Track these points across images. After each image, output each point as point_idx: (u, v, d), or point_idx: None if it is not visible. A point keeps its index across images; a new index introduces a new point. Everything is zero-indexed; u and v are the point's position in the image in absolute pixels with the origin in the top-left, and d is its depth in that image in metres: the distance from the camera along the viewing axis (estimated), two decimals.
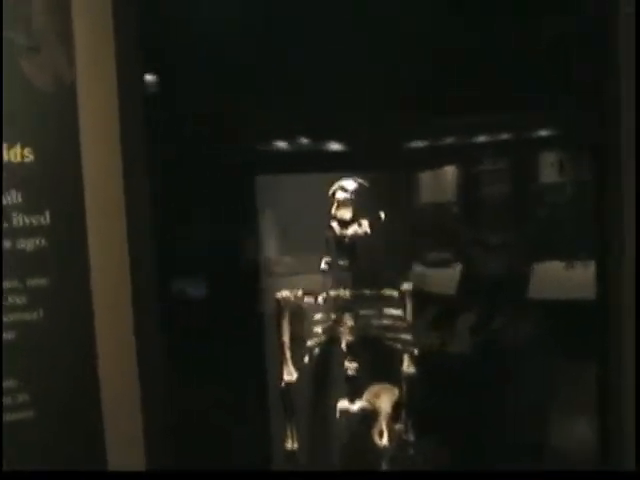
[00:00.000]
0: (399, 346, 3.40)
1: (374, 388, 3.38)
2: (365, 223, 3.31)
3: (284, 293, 3.34)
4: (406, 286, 3.42)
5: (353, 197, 3.33)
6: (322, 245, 3.36)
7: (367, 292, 3.40)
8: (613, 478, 3.39)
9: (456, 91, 4.01)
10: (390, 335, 3.40)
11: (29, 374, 2.84)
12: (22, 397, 2.83)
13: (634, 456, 3.29)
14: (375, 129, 4.14)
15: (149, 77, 3.07)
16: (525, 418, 4.25)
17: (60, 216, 2.90)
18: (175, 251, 3.57)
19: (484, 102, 4.10)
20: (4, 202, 2.79)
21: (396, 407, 3.37)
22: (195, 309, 3.91)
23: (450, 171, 4.87)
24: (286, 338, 3.34)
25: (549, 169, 4.65)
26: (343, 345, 3.37)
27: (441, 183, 4.90)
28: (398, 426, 3.39)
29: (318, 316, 3.37)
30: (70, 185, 2.93)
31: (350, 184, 3.34)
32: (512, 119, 4.46)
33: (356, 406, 3.35)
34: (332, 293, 3.38)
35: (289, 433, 3.37)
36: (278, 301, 3.34)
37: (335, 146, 4.33)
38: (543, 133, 4.58)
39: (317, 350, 3.37)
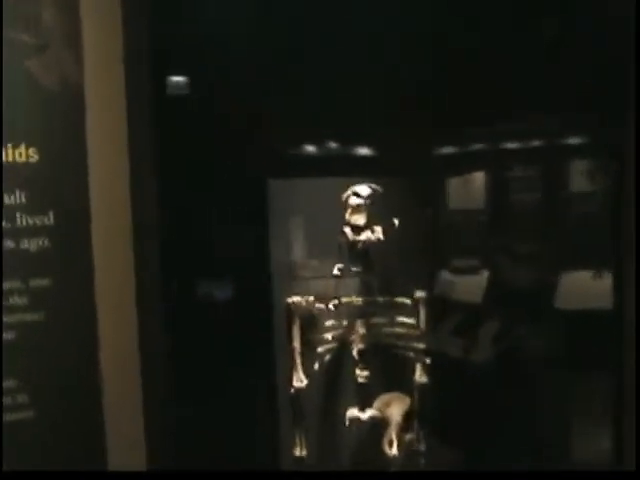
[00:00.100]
0: (411, 355, 3.30)
1: (385, 397, 3.30)
2: (379, 229, 3.22)
3: (295, 298, 3.25)
4: (420, 294, 3.31)
5: (367, 203, 3.23)
6: (336, 250, 3.28)
7: (380, 299, 3.30)
8: (613, 478, 3.31)
9: (483, 98, 3.92)
10: (402, 343, 3.30)
11: (30, 374, 2.79)
12: (22, 398, 2.78)
13: (634, 456, 3.18)
14: (403, 135, 4.06)
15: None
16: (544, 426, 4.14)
17: (64, 217, 2.85)
18: (181, 252, 3.51)
19: (513, 110, 4.08)
20: (7, 202, 2.74)
21: (407, 417, 3.28)
22: (200, 311, 3.85)
23: (478, 178, 4.78)
24: (297, 344, 3.26)
25: (579, 177, 4.52)
26: (354, 352, 3.27)
27: (468, 190, 4.80)
28: (409, 436, 3.29)
29: (329, 322, 3.28)
30: (75, 186, 2.87)
31: (364, 190, 3.24)
32: (541, 127, 4.35)
33: (366, 414, 3.27)
34: (344, 299, 3.29)
35: (297, 440, 3.28)
36: (289, 306, 3.25)
37: (362, 151, 4.27)
38: (573, 141, 4.46)
39: (328, 357, 3.28)
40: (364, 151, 4.33)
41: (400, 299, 3.31)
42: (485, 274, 4.68)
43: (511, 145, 4.65)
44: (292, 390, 3.26)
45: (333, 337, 3.29)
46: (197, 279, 3.91)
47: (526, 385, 4.18)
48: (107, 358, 2.95)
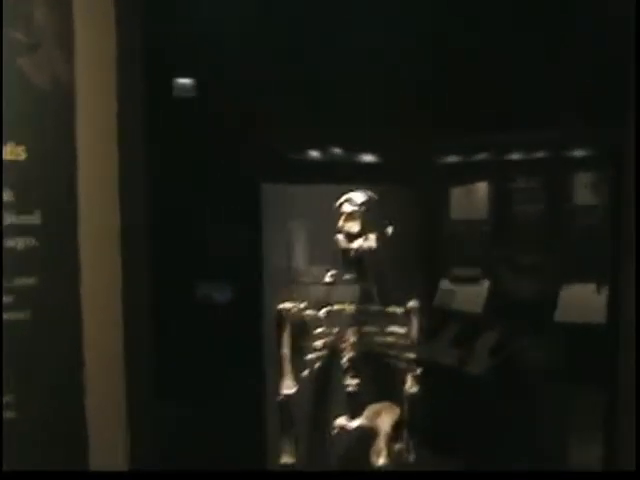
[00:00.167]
0: (403, 365, 3.22)
1: (375, 406, 3.22)
2: (372, 237, 3.14)
3: (286, 304, 3.17)
4: (412, 303, 3.23)
5: (362, 210, 3.15)
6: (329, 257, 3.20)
7: (372, 308, 3.22)
8: (613, 478, 3.25)
9: (489, 108, 3.87)
10: (394, 353, 3.22)
11: (13, 374, 2.72)
12: (8, 397, 2.71)
13: (634, 456, 3.10)
14: (403, 138, 4.04)
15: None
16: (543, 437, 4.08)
17: (52, 216, 2.78)
18: (170, 254, 3.43)
19: (513, 111, 4.07)
20: None
21: (396, 427, 3.20)
22: (188, 313, 3.77)
23: (481, 188, 4.73)
24: (286, 350, 3.17)
25: (583, 190, 4.46)
26: (345, 360, 3.19)
27: (472, 200, 4.76)
28: (398, 446, 3.21)
29: (319, 330, 3.19)
30: (64, 185, 2.81)
31: (358, 197, 3.16)
32: (545, 138, 4.30)
33: (355, 424, 3.18)
34: (336, 307, 3.20)
35: (285, 447, 3.20)
36: (280, 312, 3.17)
37: (361, 155, 4.22)
38: (577, 153, 4.40)
39: (317, 364, 3.20)
40: (362, 155, 4.28)
41: (392, 308, 3.23)
42: (486, 284, 4.62)
43: (512, 151, 4.61)
44: (281, 397, 3.17)
45: (323, 345, 3.20)
46: (186, 281, 3.82)
47: (524, 396, 4.11)
48: (92, 358, 2.89)
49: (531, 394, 4.18)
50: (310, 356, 3.18)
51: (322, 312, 3.19)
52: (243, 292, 3.70)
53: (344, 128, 3.98)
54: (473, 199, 4.84)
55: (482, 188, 4.84)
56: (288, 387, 3.17)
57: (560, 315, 4.43)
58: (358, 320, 3.23)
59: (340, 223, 3.17)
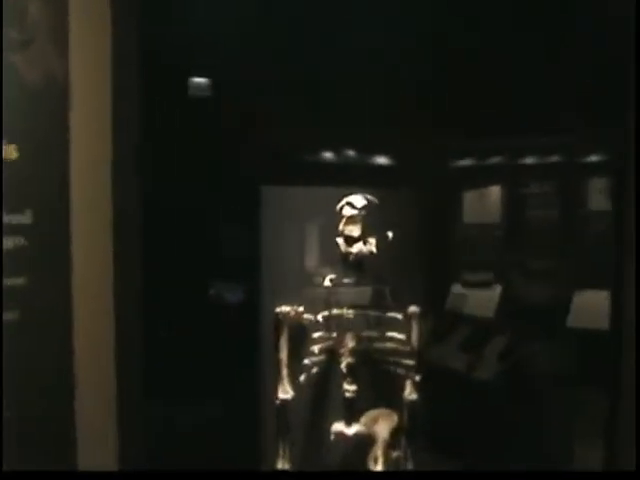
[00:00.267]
0: (402, 371, 3.12)
1: (373, 413, 3.11)
2: (372, 241, 3.04)
3: (284, 308, 3.06)
4: (413, 309, 3.13)
5: (362, 214, 3.05)
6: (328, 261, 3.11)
7: (371, 313, 3.12)
8: (613, 478, 3.19)
9: (488, 108, 3.80)
10: (393, 359, 3.12)
11: (5, 374, 2.59)
12: None
13: (634, 456, 3.05)
14: (419, 148, 4.03)
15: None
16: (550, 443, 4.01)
17: (43, 215, 2.66)
18: (163, 254, 3.33)
19: (513, 111, 4.03)
20: None
21: (394, 434, 3.10)
22: (181, 314, 3.68)
23: (494, 192, 4.68)
24: (283, 355, 3.07)
25: (597, 195, 4.39)
26: (343, 366, 3.08)
27: (484, 204, 4.70)
28: (396, 453, 3.12)
29: (317, 334, 3.09)
30: (56, 184, 2.69)
31: (359, 200, 3.06)
32: (558, 143, 4.24)
33: (352, 430, 3.08)
34: (334, 312, 3.10)
35: (281, 452, 3.10)
36: (277, 316, 3.06)
37: (369, 160, 4.16)
38: (591, 159, 4.33)
39: (315, 369, 3.10)
40: (365, 157, 4.20)
41: (392, 314, 3.13)
42: (498, 289, 4.56)
43: (520, 155, 4.55)
44: (277, 401, 3.07)
45: (321, 349, 3.10)
46: (180, 282, 3.71)
47: (530, 400, 4.05)
48: (82, 359, 2.79)
49: (537, 397, 4.11)
50: (307, 361, 3.08)
51: (320, 316, 3.09)
52: (240, 293, 3.60)
53: (344, 128, 3.90)
54: (485, 203, 4.80)
55: (491, 192, 4.78)
56: (285, 392, 3.07)
57: (571, 320, 4.36)
58: (357, 325, 3.12)
59: (340, 227, 3.07)
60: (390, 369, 3.14)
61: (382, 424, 3.09)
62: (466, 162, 4.71)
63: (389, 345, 3.13)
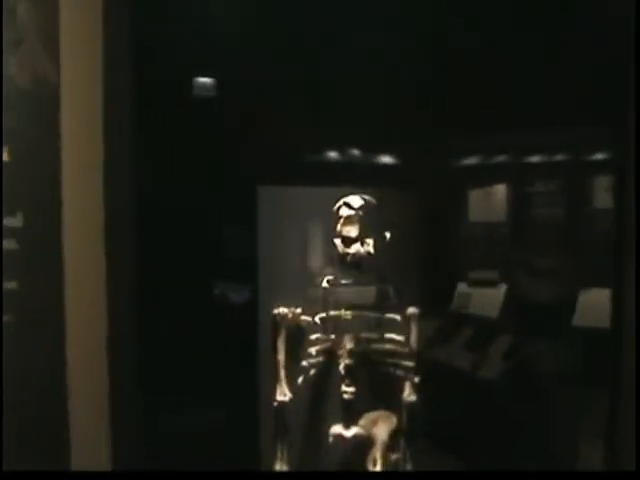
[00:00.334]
0: (400, 372, 3.07)
1: (371, 415, 3.06)
2: (370, 242, 2.99)
3: (281, 309, 3.01)
4: (412, 310, 3.07)
5: (359, 214, 3.00)
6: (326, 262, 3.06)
7: (370, 314, 3.07)
8: (613, 478, 3.14)
9: (488, 108, 3.76)
10: (392, 361, 3.07)
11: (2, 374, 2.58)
12: None
13: (634, 456, 3.00)
14: (421, 148, 4.03)
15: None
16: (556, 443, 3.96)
17: (35, 218, 2.61)
18: (157, 256, 3.28)
19: (513, 112, 4.01)
20: None
21: (393, 436, 3.05)
22: (175, 316, 3.63)
23: (498, 191, 4.64)
24: (281, 357, 3.01)
25: (603, 194, 4.34)
26: (341, 367, 3.03)
27: (489, 203, 4.66)
28: (395, 456, 3.06)
29: (314, 336, 3.04)
30: (47, 187, 2.63)
31: (356, 201, 3.01)
32: (559, 142, 4.19)
33: (350, 432, 3.02)
34: (332, 313, 3.05)
35: (279, 455, 3.05)
36: (274, 317, 3.01)
37: (381, 161, 4.11)
38: (597, 157, 4.28)
39: (313, 371, 3.04)
40: (364, 157, 4.16)
41: (391, 315, 3.07)
42: (503, 288, 4.52)
43: (520, 154, 4.51)
44: (275, 403, 3.02)
45: (319, 351, 3.04)
46: (176, 282, 3.66)
47: (535, 399, 4.01)
48: (75, 361, 2.74)
49: (542, 396, 4.06)
50: (305, 363, 3.02)
51: (317, 318, 3.04)
52: (238, 294, 3.56)
53: (344, 129, 3.86)
54: (489, 202, 4.76)
55: (496, 191, 4.75)
56: (283, 394, 3.01)
57: (577, 319, 4.31)
58: (356, 326, 3.06)
59: (338, 227, 3.02)
60: (389, 371, 3.08)
61: (381, 426, 3.04)
62: (470, 161, 4.67)
63: (388, 346, 3.08)
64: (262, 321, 3.11)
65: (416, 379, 3.06)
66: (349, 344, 3.04)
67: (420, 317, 3.11)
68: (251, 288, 3.17)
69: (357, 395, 3.02)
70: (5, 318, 2.57)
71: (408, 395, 3.07)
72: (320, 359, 3.06)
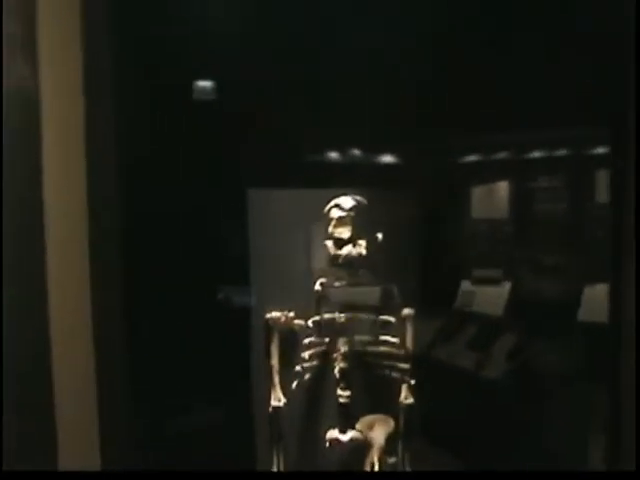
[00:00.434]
0: (396, 375, 3.00)
1: (368, 418, 2.99)
2: (362, 243, 2.93)
3: (274, 314, 2.95)
4: (407, 311, 3.00)
5: (351, 215, 2.93)
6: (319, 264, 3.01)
7: (364, 316, 3.00)
8: (613, 478, 3.06)
9: (488, 108, 3.76)
10: (387, 363, 3.00)
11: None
12: None
13: (634, 456, 2.92)
14: (423, 145, 4.00)
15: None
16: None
17: (16, 227, 2.53)
18: (143, 263, 3.22)
19: (513, 112, 3.95)
20: None
21: (391, 439, 2.98)
22: (167, 322, 3.56)
23: (501, 188, 4.58)
24: (275, 361, 2.95)
25: (602, 193, 4.28)
26: (336, 371, 2.96)
27: (492, 200, 4.60)
28: (392, 459, 2.99)
29: (307, 340, 2.97)
30: (28, 196, 2.55)
31: (347, 202, 2.94)
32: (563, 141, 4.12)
33: (347, 436, 2.96)
34: (326, 316, 2.98)
35: (275, 461, 2.98)
36: (267, 322, 2.95)
37: (382, 160, 4.06)
38: (597, 157, 4.22)
39: (307, 375, 2.98)
40: (364, 157, 4.12)
41: (385, 317, 3.00)
42: (507, 285, 4.45)
43: (525, 151, 4.46)
44: (270, 409, 2.96)
45: (313, 355, 2.98)
46: (162, 291, 3.59)
47: (537, 399, 3.96)
48: (60, 365, 2.66)
49: (547, 396, 4.00)
50: (298, 367, 2.96)
51: (310, 321, 2.97)
52: (232, 297, 3.50)
53: (344, 128, 3.80)
54: (493, 199, 4.71)
55: (499, 188, 4.69)
56: (277, 399, 2.95)
57: (582, 317, 4.23)
58: (350, 329, 2.99)
59: (330, 229, 2.95)
60: (385, 373, 3.01)
61: (378, 430, 2.97)
62: (470, 160, 4.61)
63: (383, 349, 3.01)
64: (255, 325, 3.04)
65: (413, 381, 2.99)
66: (344, 347, 2.97)
67: (423, 316, 3.06)
68: (245, 292, 3.10)
69: (353, 398, 2.95)
70: None
71: (405, 397, 3.00)
72: (315, 363, 2.99)
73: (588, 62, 3.44)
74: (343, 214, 2.93)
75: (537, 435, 3.88)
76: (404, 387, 3.01)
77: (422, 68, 3.76)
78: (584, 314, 4.21)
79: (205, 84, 3.71)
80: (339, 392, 2.95)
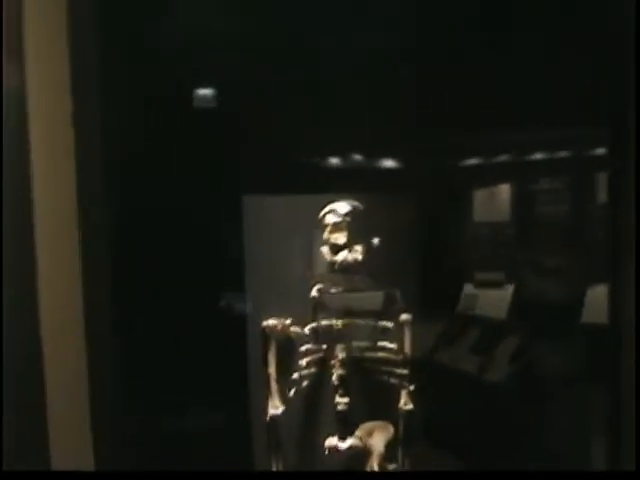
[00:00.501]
0: (395, 381, 2.95)
1: (367, 425, 2.94)
2: (358, 249, 2.88)
3: (270, 321, 2.90)
4: (405, 317, 2.95)
5: (347, 220, 2.89)
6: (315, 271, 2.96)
7: (362, 322, 2.95)
8: (614, 478, 3.03)
9: (488, 108, 3.80)
10: (386, 369, 2.95)
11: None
12: None
13: (634, 456, 2.91)
14: (423, 145, 3.95)
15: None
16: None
17: (8, 225, 2.51)
18: (132, 266, 3.19)
19: (513, 112, 3.93)
20: None
21: (390, 446, 2.93)
22: (152, 325, 3.52)
23: (503, 191, 4.54)
24: (272, 369, 2.90)
25: (602, 193, 4.23)
26: (334, 378, 2.91)
27: (494, 203, 4.56)
28: (393, 466, 2.94)
29: (305, 347, 2.93)
30: (18, 197, 2.53)
31: (342, 207, 2.89)
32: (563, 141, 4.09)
33: (346, 443, 2.91)
34: (323, 322, 2.94)
35: (273, 469, 2.94)
36: (264, 329, 2.90)
37: (384, 162, 4.01)
38: (600, 151, 4.17)
39: (305, 383, 2.93)
40: (364, 160, 4.08)
41: (383, 322, 2.95)
42: (509, 288, 4.41)
43: (525, 152, 4.41)
44: (267, 417, 2.91)
45: (309, 362, 2.93)
46: (155, 299, 3.53)
47: (545, 402, 3.94)
48: (52, 362, 2.66)
49: (549, 398, 3.98)
50: (296, 375, 2.91)
51: (307, 329, 2.92)
52: (225, 305, 3.47)
53: (344, 129, 3.76)
54: (495, 201, 4.67)
55: (501, 190, 4.66)
56: (275, 407, 2.90)
57: (585, 319, 4.18)
58: (347, 335, 2.94)
59: (325, 235, 2.91)
60: (383, 379, 2.96)
61: (377, 437, 2.92)
62: (471, 162, 4.57)
63: (381, 354, 2.96)
64: (251, 332, 3.00)
65: (412, 387, 2.94)
66: (341, 354, 2.93)
67: (426, 320, 3.02)
68: (240, 298, 3.06)
69: (351, 405, 2.90)
70: None
71: (405, 403, 2.95)
72: (312, 370, 2.94)
73: (588, 62, 3.40)
74: (338, 220, 2.88)
75: (539, 436, 3.84)
76: (403, 393, 2.95)
77: (422, 68, 3.70)
78: (587, 316, 4.16)
79: (202, 90, 3.68)
80: (337, 399, 2.91)
